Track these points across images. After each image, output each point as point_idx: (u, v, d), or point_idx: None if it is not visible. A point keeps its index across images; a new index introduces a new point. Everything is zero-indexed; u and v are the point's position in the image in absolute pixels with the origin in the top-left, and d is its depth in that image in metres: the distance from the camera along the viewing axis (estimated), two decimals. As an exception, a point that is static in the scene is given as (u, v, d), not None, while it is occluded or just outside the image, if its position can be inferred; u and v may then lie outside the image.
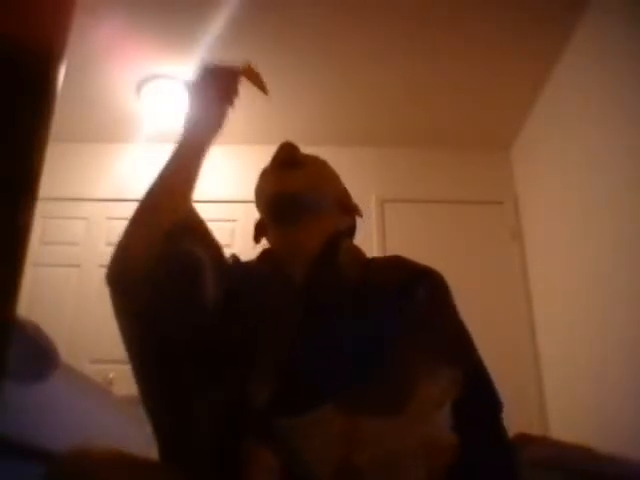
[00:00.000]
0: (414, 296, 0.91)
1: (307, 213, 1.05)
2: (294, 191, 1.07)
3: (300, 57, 2.82)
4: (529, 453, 0.78)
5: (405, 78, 2.94)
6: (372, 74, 2.92)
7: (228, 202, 3.39)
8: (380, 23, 2.60)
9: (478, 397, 0.88)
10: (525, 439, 0.81)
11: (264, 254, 1.12)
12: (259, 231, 1.17)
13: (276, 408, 0.79)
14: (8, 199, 0.43)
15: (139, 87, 3.01)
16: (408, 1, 2.49)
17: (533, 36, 2.64)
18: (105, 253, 3.76)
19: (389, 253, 3.35)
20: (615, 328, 2.23)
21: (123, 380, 2.88)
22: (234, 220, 3.36)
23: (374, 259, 1.06)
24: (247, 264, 1.10)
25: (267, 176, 1.17)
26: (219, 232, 3.96)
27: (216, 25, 2.55)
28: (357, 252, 1.06)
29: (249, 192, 3.49)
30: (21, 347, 0.90)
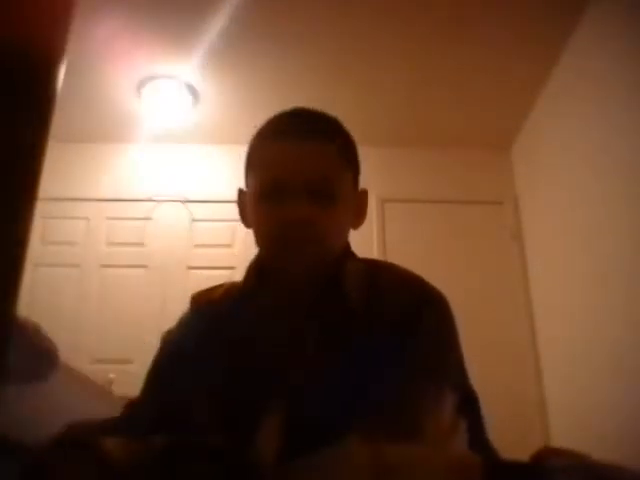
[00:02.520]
0: (420, 326, 0.88)
1: (317, 201, 0.85)
2: (306, 178, 0.86)
3: (300, 57, 2.82)
4: (553, 462, 0.78)
5: (405, 78, 2.94)
6: (372, 74, 2.92)
7: (228, 202, 3.39)
8: (380, 23, 2.60)
9: (478, 421, 0.90)
10: (551, 451, 0.80)
11: (250, 274, 0.98)
12: (244, 211, 0.98)
13: (293, 449, 0.77)
14: (8, 199, 0.43)
15: (139, 87, 3.01)
16: (408, 1, 2.49)
17: (533, 36, 2.64)
18: (105, 253, 3.77)
19: (389, 253, 3.36)
20: (615, 328, 2.23)
21: (123, 380, 2.89)
22: (234, 220, 3.35)
23: (377, 279, 0.94)
24: (237, 300, 0.96)
25: (271, 144, 0.91)
26: (219, 232, 3.97)
27: (216, 25, 2.55)
28: (360, 270, 0.95)
29: (249, 192, 3.34)
30: (21, 347, 0.90)
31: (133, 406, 0.96)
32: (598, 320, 2.36)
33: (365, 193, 0.98)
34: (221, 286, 1.04)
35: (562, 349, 2.73)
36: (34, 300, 2.88)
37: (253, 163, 0.93)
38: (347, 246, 0.96)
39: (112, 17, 2.53)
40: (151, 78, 2.96)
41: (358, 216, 0.96)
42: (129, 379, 2.94)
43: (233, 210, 3.59)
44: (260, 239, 0.91)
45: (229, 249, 3.32)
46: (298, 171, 0.85)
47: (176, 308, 3.77)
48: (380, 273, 0.95)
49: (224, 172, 3.48)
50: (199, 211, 3.35)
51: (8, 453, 0.81)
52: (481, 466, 0.76)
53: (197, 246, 3.32)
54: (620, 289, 2.21)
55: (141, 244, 3.32)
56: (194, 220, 3.35)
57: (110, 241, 3.33)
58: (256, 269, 0.96)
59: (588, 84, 2.51)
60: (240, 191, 1.00)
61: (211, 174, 3.46)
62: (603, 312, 2.32)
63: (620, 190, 2.24)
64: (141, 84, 2.99)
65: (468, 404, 0.89)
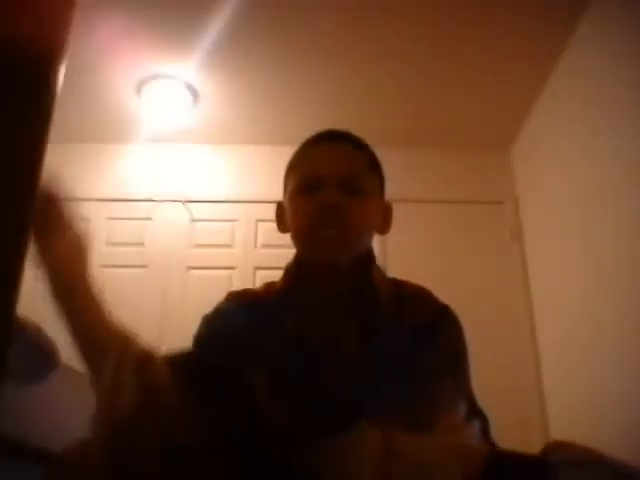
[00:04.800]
0: (442, 335, 0.97)
1: (349, 194, 0.98)
2: (339, 173, 0.99)
3: (300, 57, 2.82)
4: (563, 454, 0.80)
5: (404, 78, 2.94)
6: (372, 74, 2.92)
7: (228, 202, 3.40)
8: (379, 23, 2.60)
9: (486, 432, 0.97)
10: (558, 445, 0.83)
11: (289, 274, 1.05)
12: (281, 218, 1.08)
13: (312, 430, 0.82)
14: (8, 199, 0.43)
15: (139, 87, 3.01)
16: (408, 2, 2.49)
17: (533, 36, 2.64)
18: (105, 253, 3.76)
19: (389, 253, 3.34)
20: (615, 328, 2.23)
21: (123, 380, 2.89)
22: (234, 220, 3.36)
23: (400, 287, 1.05)
24: (277, 299, 1.02)
25: (309, 150, 1.06)
26: (219, 232, 3.96)
27: (216, 25, 2.55)
28: (383, 276, 1.06)
29: (249, 192, 3.51)
30: (21, 347, 0.90)
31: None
32: (598, 320, 2.36)
33: (389, 205, 1.11)
34: (254, 289, 1.09)
35: (562, 349, 2.73)
36: (34, 300, 2.88)
37: (293, 166, 1.06)
38: (372, 250, 1.05)
39: (112, 17, 2.53)
40: (151, 78, 2.95)
41: (384, 223, 1.08)
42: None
43: (233, 210, 3.61)
44: (296, 228, 1.02)
45: (229, 249, 3.32)
46: (332, 168, 0.99)
47: (176, 308, 3.80)
48: (399, 283, 1.05)
49: (224, 172, 3.48)
50: (199, 211, 3.35)
51: (29, 458, 0.81)
52: (485, 454, 0.79)
53: (197, 246, 3.32)
54: (620, 289, 2.21)
55: (141, 244, 3.32)
56: (194, 220, 3.35)
57: (110, 241, 3.32)
58: (294, 269, 1.04)
59: (588, 84, 2.51)
60: (279, 203, 1.10)
61: (211, 174, 3.46)
62: (603, 312, 2.32)
63: (620, 190, 2.24)
64: (141, 84, 2.99)
65: (475, 413, 0.96)
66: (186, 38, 2.66)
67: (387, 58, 2.81)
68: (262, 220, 3.35)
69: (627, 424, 2.09)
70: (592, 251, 2.44)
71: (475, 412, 0.97)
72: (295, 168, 1.05)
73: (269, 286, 1.07)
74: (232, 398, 0.88)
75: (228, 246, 3.32)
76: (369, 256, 1.04)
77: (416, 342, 0.94)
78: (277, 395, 0.88)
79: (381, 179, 1.08)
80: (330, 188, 0.96)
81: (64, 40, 0.48)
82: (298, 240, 1.02)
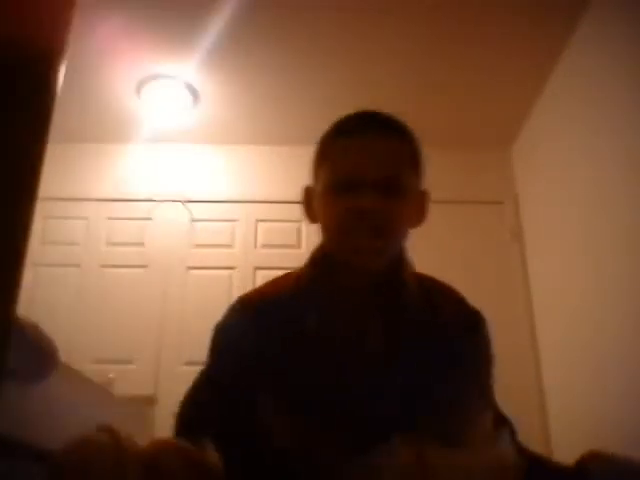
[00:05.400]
0: (476, 343, 0.96)
1: (386, 195, 0.89)
2: (377, 173, 0.90)
3: (300, 57, 2.82)
4: (600, 465, 0.79)
5: (404, 78, 2.94)
6: (372, 74, 2.92)
7: (228, 202, 3.40)
8: (379, 23, 2.60)
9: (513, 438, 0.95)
10: (595, 455, 0.81)
11: (314, 263, 0.98)
12: (309, 205, 1.00)
13: (343, 447, 0.80)
14: (8, 199, 0.43)
15: (139, 87, 3.01)
16: (408, 2, 2.49)
17: (533, 35, 2.64)
18: (105, 253, 3.76)
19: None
20: (615, 328, 2.23)
21: (123, 380, 2.89)
22: (234, 220, 3.36)
23: (431, 288, 1.00)
24: (304, 290, 0.95)
25: (345, 141, 0.94)
26: (219, 232, 3.96)
27: (216, 25, 2.55)
28: (414, 275, 1.00)
29: (249, 192, 3.51)
30: (21, 347, 0.90)
31: (194, 407, 0.94)
32: (598, 320, 2.36)
33: (426, 194, 1.01)
34: (272, 282, 1.01)
35: (562, 349, 2.73)
36: (34, 300, 2.88)
37: (327, 157, 0.95)
38: (402, 249, 0.99)
39: (112, 17, 2.53)
40: (151, 78, 2.95)
41: (419, 216, 1.00)
42: (129, 379, 2.96)
43: (233, 210, 3.60)
44: (327, 228, 0.94)
45: (229, 249, 3.32)
46: (370, 166, 0.90)
47: (176, 308, 3.80)
48: (432, 283, 1.01)
49: (224, 172, 3.48)
50: (199, 211, 3.35)
51: (23, 456, 0.81)
52: (522, 471, 0.78)
53: (197, 246, 3.32)
54: (620, 289, 2.21)
55: (141, 244, 3.32)
56: (194, 220, 3.35)
57: (110, 241, 3.33)
58: (320, 262, 0.97)
59: (588, 84, 2.51)
60: (306, 188, 1.02)
61: (211, 174, 3.46)
62: (603, 312, 2.32)
63: (620, 190, 2.23)
64: (141, 84, 2.99)
65: (502, 421, 0.94)
66: (186, 38, 2.66)
67: (387, 58, 2.81)
68: (262, 220, 3.36)
69: (627, 424, 2.09)
70: (592, 251, 2.44)
71: (501, 419, 0.95)
72: (328, 159, 0.95)
73: (288, 278, 1.00)
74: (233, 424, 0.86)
75: (228, 246, 3.32)
76: (401, 253, 0.98)
77: (450, 344, 0.92)
78: (294, 410, 0.85)
79: (420, 172, 1.00)
80: (367, 191, 0.88)
81: (64, 40, 0.48)
82: (328, 239, 0.95)
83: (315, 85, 3.01)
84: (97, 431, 0.68)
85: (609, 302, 2.28)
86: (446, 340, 0.92)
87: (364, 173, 0.89)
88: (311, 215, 1.00)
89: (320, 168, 0.96)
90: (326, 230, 0.95)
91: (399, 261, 0.96)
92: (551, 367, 2.86)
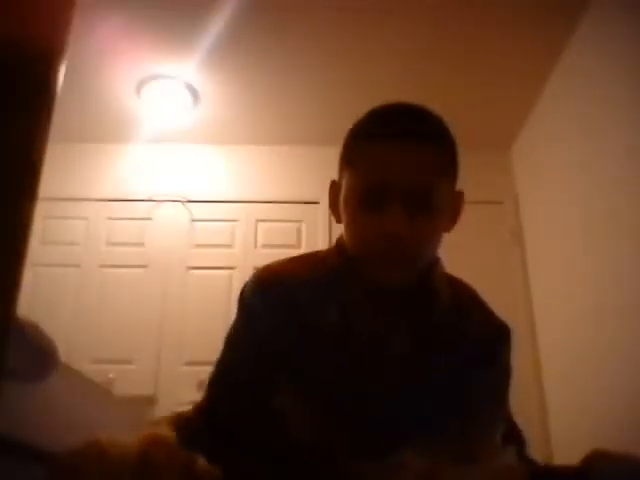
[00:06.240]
0: (498, 354, 0.95)
1: (417, 212, 0.82)
2: (407, 187, 0.81)
3: (300, 57, 2.82)
4: (605, 464, 0.79)
5: (404, 78, 2.94)
6: (372, 74, 2.92)
7: (228, 202, 3.40)
8: (379, 23, 2.60)
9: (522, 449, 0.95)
10: (600, 454, 0.81)
11: (341, 253, 0.92)
12: (335, 202, 0.92)
13: (358, 453, 0.79)
14: (8, 199, 0.43)
15: (139, 87, 3.01)
16: (407, 1, 2.49)
17: (533, 36, 2.64)
18: (105, 253, 3.76)
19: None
20: (615, 328, 2.23)
21: (123, 380, 2.89)
22: (234, 220, 3.36)
23: (462, 295, 0.98)
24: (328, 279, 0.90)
25: (375, 147, 0.84)
26: (219, 232, 3.96)
27: (216, 25, 2.55)
28: (445, 281, 0.97)
29: (249, 192, 3.51)
30: (21, 347, 0.90)
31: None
32: (598, 320, 2.36)
33: (461, 195, 0.95)
34: (300, 259, 0.96)
35: (562, 349, 2.73)
36: (34, 300, 2.88)
37: (353, 161, 0.87)
38: (438, 261, 0.97)
39: (112, 17, 2.53)
40: (151, 78, 2.95)
41: (453, 219, 0.94)
42: (129, 379, 2.96)
43: (233, 210, 3.60)
44: (352, 241, 0.88)
45: (229, 249, 3.32)
46: (398, 179, 0.81)
47: (176, 308, 3.80)
48: (463, 289, 1.00)
49: (224, 172, 3.49)
50: (199, 211, 3.35)
51: (22, 456, 0.81)
52: (528, 472, 0.77)
53: (197, 246, 3.32)
54: (620, 288, 2.21)
55: (141, 244, 3.32)
56: (194, 220, 3.35)
57: (110, 241, 3.33)
58: (344, 253, 0.91)
59: (588, 84, 2.51)
60: (333, 182, 0.94)
61: (211, 174, 3.46)
62: (603, 312, 2.32)
63: (620, 189, 2.23)
64: (141, 84, 2.99)
65: (513, 434, 0.94)
66: (186, 38, 2.66)
67: (387, 58, 2.81)
68: (262, 220, 3.36)
69: (627, 423, 2.09)
70: (592, 250, 2.44)
71: (513, 432, 0.94)
72: (356, 165, 0.86)
73: (315, 260, 0.95)
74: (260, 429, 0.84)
75: (228, 246, 3.32)
76: (434, 259, 0.94)
77: (475, 355, 0.90)
78: (310, 403, 0.84)
79: (455, 176, 0.91)
80: (394, 209, 0.80)
81: (64, 40, 0.48)
82: (353, 248, 0.88)
83: (315, 85, 3.01)
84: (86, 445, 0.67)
85: (609, 302, 2.28)
86: (472, 350, 0.90)
87: (392, 186, 0.81)
88: (336, 214, 0.93)
89: (344, 170, 0.89)
90: (351, 240, 0.88)
91: (430, 266, 0.93)
92: (551, 367, 2.86)
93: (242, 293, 0.94)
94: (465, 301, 0.96)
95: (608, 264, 2.30)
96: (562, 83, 2.78)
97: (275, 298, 0.89)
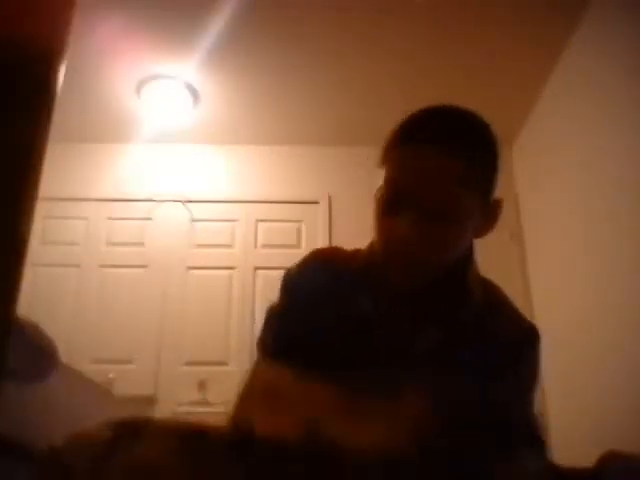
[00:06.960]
0: (526, 356, 0.96)
1: (432, 220, 0.82)
2: (426, 195, 0.81)
3: (300, 57, 2.82)
4: (619, 465, 0.79)
5: (404, 77, 2.94)
6: (372, 74, 2.92)
7: (228, 202, 3.40)
8: (379, 23, 2.60)
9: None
10: (615, 455, 0.81)
11: (372, 251, 0.93)
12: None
13: None
14: (8, 199, 0.43)
15: (139, 87, 3.01)
16: (408, 1, 2.49)
17: (535, 34, 2.64)
18: (105, 253, 3.76)
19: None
20: (615, 328, 2.23)
21: (123, 380, 2.89)
22: (234, 220, 3.36)
23: (493, 297, 0.99)
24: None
25: (405, 148, 0.84)
26: (219, 232, 3.96)
27: (216, 25, 2.55)
28: (478, 283, 0.98)
29: (249, 192, 3.51)
30: (21, 347, 0.90)
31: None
32: (598, 320, 2.36)
33: (498, 203, 0.94)
34: (342, 249, 1.02)
35: (562, 349, 2.73)
36: (34, 300, 2.88)
37: (386, 161, 0.87)
38: (470, 252, 0.97)
39: (112, 17, 2.53)
40: (151, 78, 2.96)
41: (485, 227, 0.93)
42: (129, 379, 2.96)
43: (233, 210, 3.60)
44: (376, 242, 0.90)
45: (229, 249, 3.32)
46: (416, 187, 0.81)
47: (176, 308, 3.80)
48: (495, 291, 1.01)
49: (224, 172, 3.49)
50: (199, 211, 3.35)
51: (22, 456, 0.81)
52: (550, 475, 0.77)
53: (197, 246, 3.32)
54: (620, 288, 2.21)
55: (141, 244, 3.32)
56: (194, 220, 3.35)
57: (110, 241, 3.33)
58: (375, 259, 0.93)
59: (588, 84, 2.51)
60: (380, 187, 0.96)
61: (211, 174, 3.46)
62: (603, 312, 2.32)
63: (620, 189, 2.23)
64: (141, 84, 2.99)
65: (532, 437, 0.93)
66: (186, 38, 2.66)
67: (387, 58, 2.81)
68: (262, 220, 3.36)
69: (627, 423, 2.09)
70: (592, 250, 2.44)
71: (536, 434, 0.94)
72: (387, 164, 0.86)
73: (359, 252, 0.99)
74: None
75: (228, 246, 3.32)
76: (466, 258, 0.95)
77: (504, 356, 0.90)
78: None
79: (487, 183, 0.89)
80: (408, 214, 0.81)
81: (64, 40, 0.48)
82: (377, 248, 0.91)
83: (315, 85, 3.01)
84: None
85: (609, 302, 2.28)
86: (500, 350, 0.90)
87: (408, 192, 0.81)
88: None
89: (382, 168, 0.88)
90: (375, 241, 0.91)
91: (463, 266, 0.94)
92: (551, 367, 2.86)
93: (288, 271, 1.00)
94: (496, 302, 0.97)
95: (608, 264, 2.30)
96: (562, 83, 2.78)
97: (320, 276, 0.95)
